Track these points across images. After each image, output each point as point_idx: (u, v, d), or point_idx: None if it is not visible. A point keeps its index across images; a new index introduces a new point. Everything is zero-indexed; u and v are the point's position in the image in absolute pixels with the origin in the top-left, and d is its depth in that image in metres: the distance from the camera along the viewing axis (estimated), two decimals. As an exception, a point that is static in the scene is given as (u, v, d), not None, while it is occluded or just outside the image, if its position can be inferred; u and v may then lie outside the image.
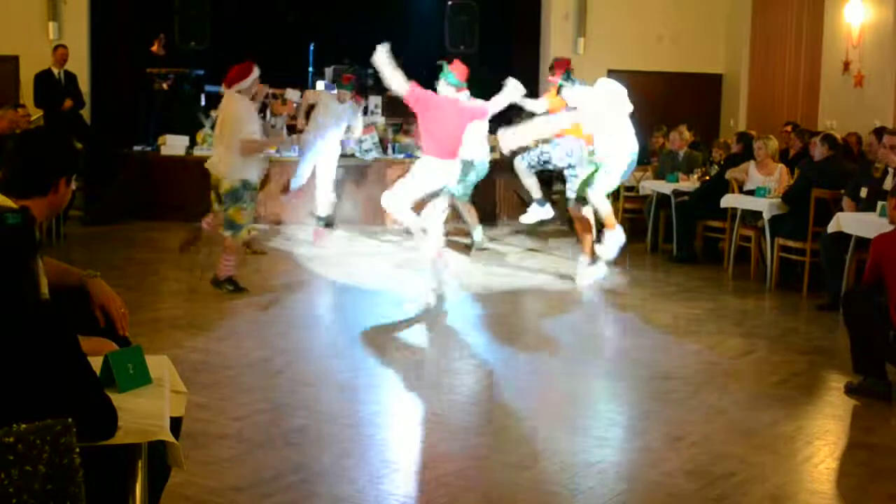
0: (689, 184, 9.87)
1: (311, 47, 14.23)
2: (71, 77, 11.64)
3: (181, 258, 8.31)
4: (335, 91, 10.34)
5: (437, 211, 8.01)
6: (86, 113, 12.15)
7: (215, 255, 7.79)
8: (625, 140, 7.93)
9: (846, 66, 11.37)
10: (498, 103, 7.95)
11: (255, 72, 7.44)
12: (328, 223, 10.40)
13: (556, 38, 13.98)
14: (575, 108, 8.15)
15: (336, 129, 10.01)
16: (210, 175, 7.44)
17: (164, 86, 12.47)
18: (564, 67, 8.70)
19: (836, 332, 6.50)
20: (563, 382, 5.57)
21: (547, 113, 8.72)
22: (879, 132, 7.86)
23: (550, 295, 7.92)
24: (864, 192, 7.19)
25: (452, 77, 7.89)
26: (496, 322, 7.06)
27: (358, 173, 11.68)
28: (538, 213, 9.13)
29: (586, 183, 8.11)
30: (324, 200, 10.09)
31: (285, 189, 10.28)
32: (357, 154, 11.64)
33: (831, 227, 7.18)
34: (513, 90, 7.99)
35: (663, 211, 10.17)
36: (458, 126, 7.68)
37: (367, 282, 8.24)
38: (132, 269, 8.44)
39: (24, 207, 2.37)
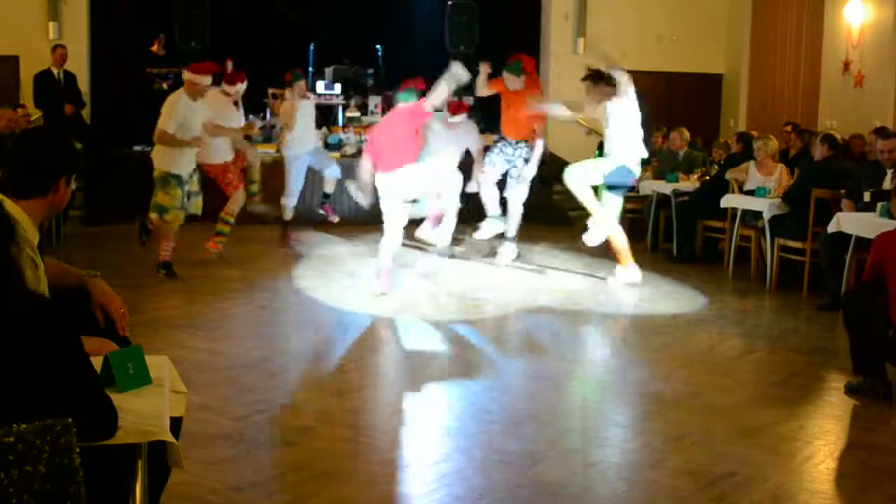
0: (689, 184, 9.87)
1: (311, 47, 14.24)
2: (71, 77, 11.64)
3: (179, 257, 8.32)
4: (294, 90, 9.85)
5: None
6: (86, 113, 12.15)
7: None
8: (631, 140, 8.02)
9: (846, 66, 11.38)
10: (435, 97, 7.75)
11: (202, 76, 8.06)
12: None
13: (556, 38, 13.99)
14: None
15: (313, 130, 9.89)
16: None
17: (164, 86, 12.47)
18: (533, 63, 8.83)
19: (836, 332, 6.50)
20: (563, 382, 5.57)
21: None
22: (880, 132, 7.86)
23: (549, 295, 7.92)
24: (867, 196, 7.16)
25: (406, 95, 7.81)
26: (494, 322, 7.06)
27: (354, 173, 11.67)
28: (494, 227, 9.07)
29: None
30: (331, 179, 9.97)
31: (284, 238, 9.99)
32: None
33: (831, 227, 7.18)
34: (452, 77, 7.78)
35: (663, 211, 10.17)
36: (403, 132, 7.54)
37: (367, 281, 8.23)
38: (132, 269, 8.43)
39: None
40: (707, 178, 9.80)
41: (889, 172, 7.21)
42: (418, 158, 7.80)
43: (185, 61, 12.79)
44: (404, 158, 7.53)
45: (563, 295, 7.89)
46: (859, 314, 5.12)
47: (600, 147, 12.35)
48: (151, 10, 13.23)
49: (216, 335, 6.25)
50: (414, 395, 5.21)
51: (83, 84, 12.13)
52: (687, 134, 10.88)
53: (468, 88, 9.25)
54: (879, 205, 6.88)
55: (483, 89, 9.07)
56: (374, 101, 13.22)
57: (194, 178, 8.12)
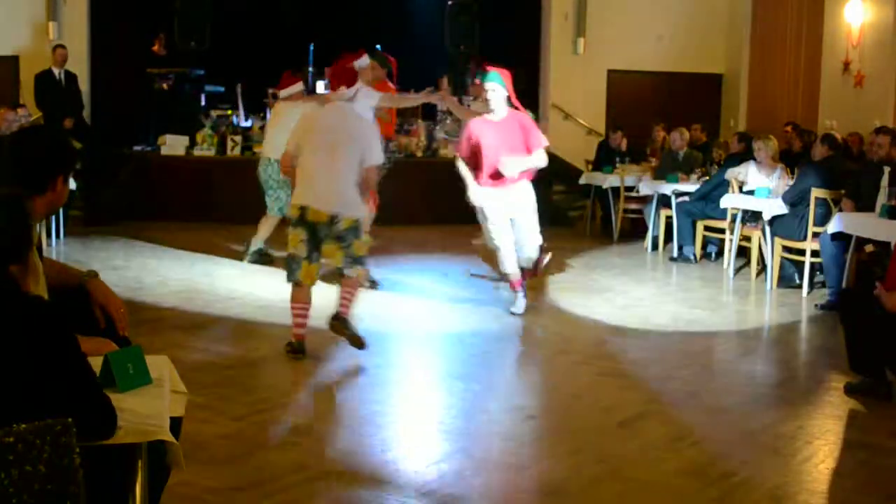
0: (689, 184, 9.87)
1: (311, 47, 14.24)
2: (71, 77, 11.64)
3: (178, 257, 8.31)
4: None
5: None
6: (86, 113, 12.15)
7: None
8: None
9: (846, 66, 11.37)
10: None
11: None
12: None
13: (556, 38, 14.00)
14: None
15: None
16: None
17: (164, 86, 12.48)
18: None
19: (836, 332, 6.48)
20: (563, 382, 5.57)
21: None
22: (880, 132, 7.85)
23: (549, 295, 7.91)
24: (885, 197, 7.08)
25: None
26: (494, 322, 7.05)
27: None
28: None
29: None
30: None
31: None
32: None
33: (831, 228, 7.18)
34: None
35: (663, 211, 10.18)
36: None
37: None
38: (132, 269, 8.44)
39: (13, 199, 2.28)
40: (707, 178, 9.79)
41: (886, 170, 7.21)
42: None
43: (185, 61, 12.87)
44: None
45: (562, 295, 7.89)
46: (857, 312, 5.11)
47: (600, 147, 12.38)
48: (151, 10, 13.23)
49: (216, 335, 6.25)
50: (414, 395, 5.21)
51: (83, 84, 12.13)
52: (687, 134, 10.86)
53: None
54: (879, 204, 6.88)
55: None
56: (374, 102, 13.20)
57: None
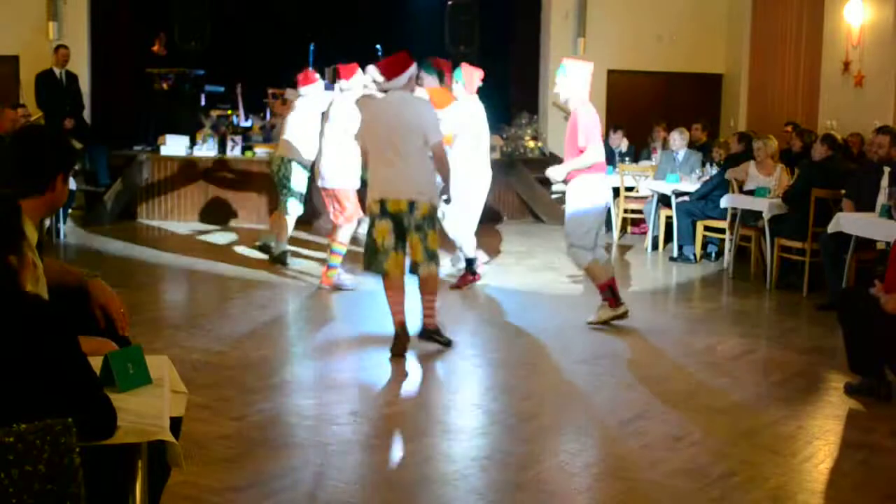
0: (689, 184, 9.87)
1: (311, 47, 14.25)
2: (72, 77, 11.64)
3: (172, 261, 8.31)
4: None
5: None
6: (86, 113, 12.14)
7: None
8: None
9: (846, 66, 11.37)
10: None
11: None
12: None
13: (556, 38, 13.99)
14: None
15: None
16: None
17: (164, 86, 12.48)
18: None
19: (836, 332, 6.46)
20: (563, 383, 5.57)
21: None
22: (880, 132, 7.84)
23: (549, 295, 7.92)
24: (885, 197, 7.07)
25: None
26: (494, 323, 7.05)
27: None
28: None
29: None
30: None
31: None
32: None
33: (831, 228, 7.18)
34: None
35: (663, 211, 10.18)
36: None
37: (365, 282, 8.22)
38: (132, 270, 8.44)
39: (2, 196, 2.30)
40: (707, 178, 9.79)
41: (886, 171, 7.21)
42: None
43: (185, 61, 12.86)
44: None
45: (561, 295, 7.89)
46: (857, 312, 5.11)
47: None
48: (151, 10, 13.23)
49: (216, 335, 6.25)
50: (414, 396, 5.21)
51: (83, 84, 12.12)
52: (687, 134, 10.86)
53: None
54: (879, 204, 6.88)
55: None
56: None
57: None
